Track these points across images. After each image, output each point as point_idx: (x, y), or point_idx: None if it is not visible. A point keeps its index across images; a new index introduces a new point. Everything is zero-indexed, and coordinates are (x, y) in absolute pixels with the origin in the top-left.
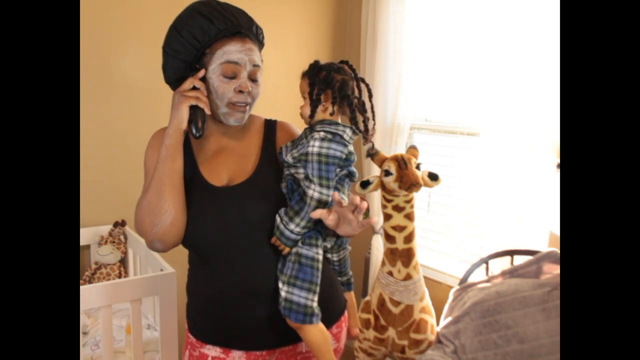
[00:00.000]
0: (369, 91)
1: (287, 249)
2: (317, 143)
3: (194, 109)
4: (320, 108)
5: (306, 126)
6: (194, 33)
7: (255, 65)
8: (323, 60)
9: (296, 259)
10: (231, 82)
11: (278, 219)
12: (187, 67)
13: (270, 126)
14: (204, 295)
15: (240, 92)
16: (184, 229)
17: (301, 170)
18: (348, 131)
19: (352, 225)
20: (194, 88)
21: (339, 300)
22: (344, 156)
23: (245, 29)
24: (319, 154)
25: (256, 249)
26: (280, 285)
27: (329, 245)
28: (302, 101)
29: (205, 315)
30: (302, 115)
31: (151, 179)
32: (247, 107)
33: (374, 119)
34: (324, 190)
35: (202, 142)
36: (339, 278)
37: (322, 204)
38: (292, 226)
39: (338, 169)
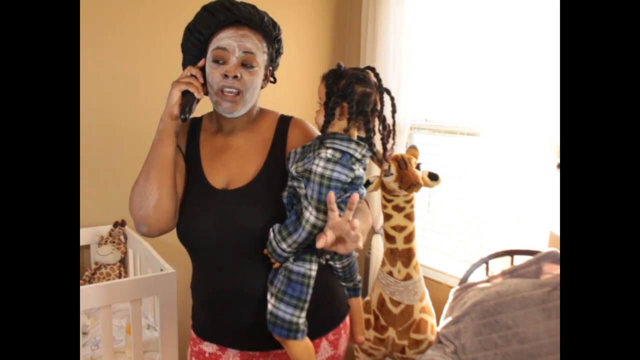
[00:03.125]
0: (393, 105)
1: (277, 264)
2: (322, 163)
3: (186, 95)
4: (333, 122)
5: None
6: (199, 29)
7: (247, 52)
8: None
9: (286, 274)
10: (220, 68)
11: (271, 235)
12: (198, 62)
13: (283, 123)
14: (200, 294)
15: (226, 76)
16: (171, 216)
17: (303, 186)
18: (360, 149)
19: (346, 245)
20: (192, 76)
21: (338, 307)
22: (349, 180)
23: (245, 18)
24: (322, 176)
25: (247, 256)
26: (268, 296)
27: (324, 261)
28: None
29: (203, 314)
30: (316, 122)
31: (144, 164)
32: (238, 97)
33: (394, 138)
34: (321, 216)
35: (209, 138)
36: (343, 284)
37: (317, 229)
38: (284, 246)
39: (342, 192)
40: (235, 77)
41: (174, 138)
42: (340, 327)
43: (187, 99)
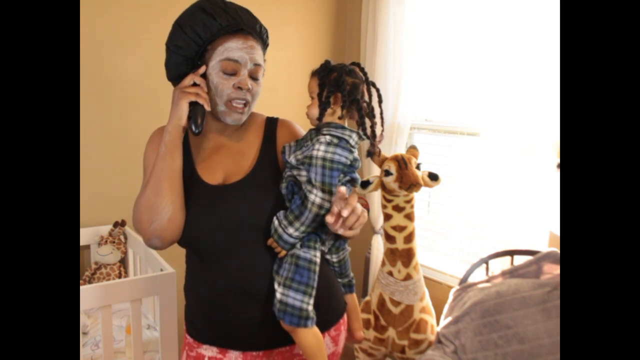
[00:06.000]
0: (379, 96)
1: (283, 252)
2: (322, 147)
3: (193, 105)
4: (328, 111)
5: (311, 126)
6: (196, 29)
7: (257, 64)
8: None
9: (293, 261)
10: (231, 79)
11: (276, 222)
12: (189, 63)
13: (271, 124)
14: (200, 295)
15: (240, 88)
16: (182, 226)
17: (304, 173)
18: (354, 136)
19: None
20: (195, 84)
21: (338, 303)
22: (348, 162)
23: (248, 26)
24: (324, 159)
25: (251, 250)
26: (275, 286)
27: (326, 249)
28: (304, 100)
29: (202, 316)
30: (308, 115)
31: (150, 175)
32: (246, 107)
33: (382, 125)
34: (326, 196)
35: (200, 139)
36: (339, 280)
37: (323, 209)
38: (291, 230)
39: (341, 175)
40: (248, 89)
41: (181, 149)
42: (340, 323)
43: (196, 111)
